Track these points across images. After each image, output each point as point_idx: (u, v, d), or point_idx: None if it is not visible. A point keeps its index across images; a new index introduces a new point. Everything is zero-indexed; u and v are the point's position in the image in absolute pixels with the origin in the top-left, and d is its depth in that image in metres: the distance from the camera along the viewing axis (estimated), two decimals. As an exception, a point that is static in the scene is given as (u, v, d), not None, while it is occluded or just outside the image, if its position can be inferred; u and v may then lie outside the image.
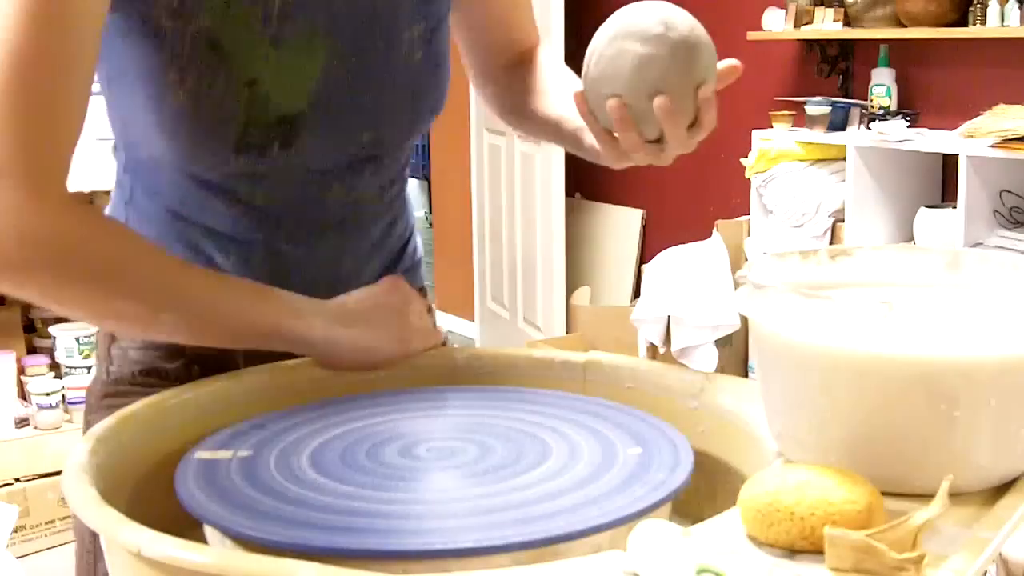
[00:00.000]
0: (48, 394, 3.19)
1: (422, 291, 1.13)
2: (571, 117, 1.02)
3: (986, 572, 0.67)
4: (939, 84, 3.47)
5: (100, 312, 0.90)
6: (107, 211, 1.07)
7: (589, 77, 0.90)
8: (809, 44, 3.76)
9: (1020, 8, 3.07)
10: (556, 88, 1.10)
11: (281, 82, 0.95)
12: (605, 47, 0.89)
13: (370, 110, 1.00)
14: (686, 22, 0.88)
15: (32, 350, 3.45)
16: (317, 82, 0.96)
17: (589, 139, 0.99)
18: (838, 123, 3.55)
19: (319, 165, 1.00)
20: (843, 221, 3.42)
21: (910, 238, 3.33)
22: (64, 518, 3.09)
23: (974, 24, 3.18)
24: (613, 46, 0.88)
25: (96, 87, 0.90)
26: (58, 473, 2.65)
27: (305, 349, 0.96)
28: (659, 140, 0.91)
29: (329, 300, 0.97)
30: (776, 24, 3.71)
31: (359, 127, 1.00)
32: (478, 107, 4.66)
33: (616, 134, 0.90)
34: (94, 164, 2.99)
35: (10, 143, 0.83)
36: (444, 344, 1.07)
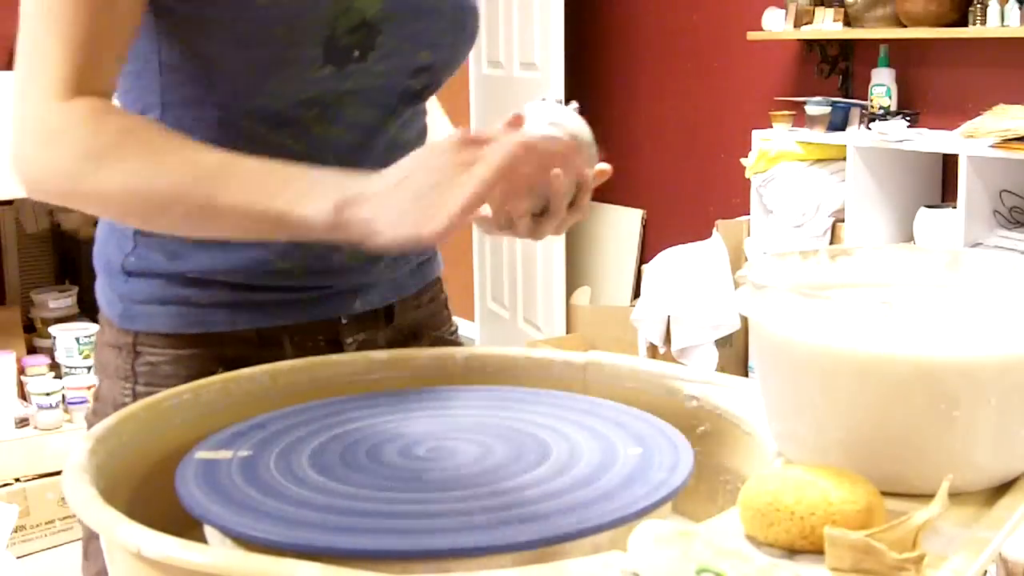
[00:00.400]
0: (48, 394, 3.19)
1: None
2: None
3: (986, 572, 0.67)
4: (939, 84, 3.47)
5: (99, 196, 0.88)
6: None
7: None
8: (809, 44, 3.76)
9: (1020, 8, 3.07)
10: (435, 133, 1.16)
11: None
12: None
13: (428, 25, 1.02)
14: (576, 118, 0.99)
15: (32, 350, 3.46)
16: None
17: None
18: (838, 123, 3.55)
19: (380, 89, 1.01)
20: (843, 221, 3.42)
21: (910, 238, 3.33)
22: (64, 518, 3.09)
23: (974, 24, 3.18)
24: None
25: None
26: (58, 473, 2.65)
27: (313, 237, 0.85)
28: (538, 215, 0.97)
29: (358, 177, 0.85)
30: (776, 24, 3.71)
31: (418, 44, 1.02)
32: (478, 106, 4.66)
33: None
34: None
35: (50, 48, 0.88)
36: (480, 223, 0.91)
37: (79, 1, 0.88)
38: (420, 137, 1.11)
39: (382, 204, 0.80)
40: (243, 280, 1.02)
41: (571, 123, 0.98)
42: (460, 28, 1.06)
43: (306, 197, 0.82)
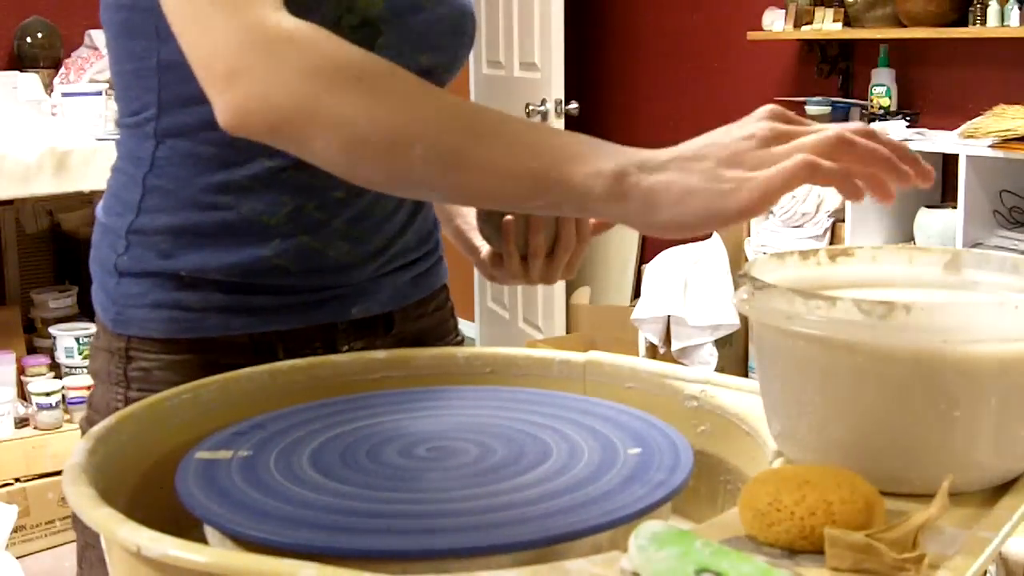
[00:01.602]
0: (48, 394, 3.19)
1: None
2: (463, 213, 1.13)
3: (986, 572, 0.67)
4: (939, 84, 3.47)
5: (366, 112, 0.75)
6: (110, 208, 1.06)
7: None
8: (809, 44, 3.76)
9: (1020, 8, 3.07)
10: None
11: None
12: None
13: (428, 27, 1.02)
14: None
15: (32, 350, 3.45)
16: None
17: (476, 240, 1.09)
18: (838, 123, 3.55)
19: None
20: (843, 221, 3.42)
21: (910, 238, 3.33)
22: (64, 518, 3.09)
23: (974, 24, 3.18)
24: None
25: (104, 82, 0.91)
26: (58, 473, 2.65)
27: (584, 206, 0.74)
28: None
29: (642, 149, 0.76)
30: (776, 24, 3.71)
31: (418, 46, 1.01)
32: (478, 107, 4.66)
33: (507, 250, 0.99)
34: (94, 164, 3.00)
35: None
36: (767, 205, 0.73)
37: None
38: None
39: (669, 177, 0.72)
40: (238, 279, 1.01)
41: None
42: (460, 32, 1.06)
43: (586, 159, 0.73)
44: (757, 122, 0.74)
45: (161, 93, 1.00)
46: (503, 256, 1.02)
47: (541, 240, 0.99)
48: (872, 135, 0.74)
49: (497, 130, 0.75)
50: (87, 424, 1.05)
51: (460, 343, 1.22)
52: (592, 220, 1.03)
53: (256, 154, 0.99)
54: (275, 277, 1.02)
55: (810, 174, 0.70)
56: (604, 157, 0.73)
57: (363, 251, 1.06)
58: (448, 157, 0.74)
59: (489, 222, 1.01)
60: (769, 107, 0.76)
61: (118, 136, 1.08)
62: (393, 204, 1.07)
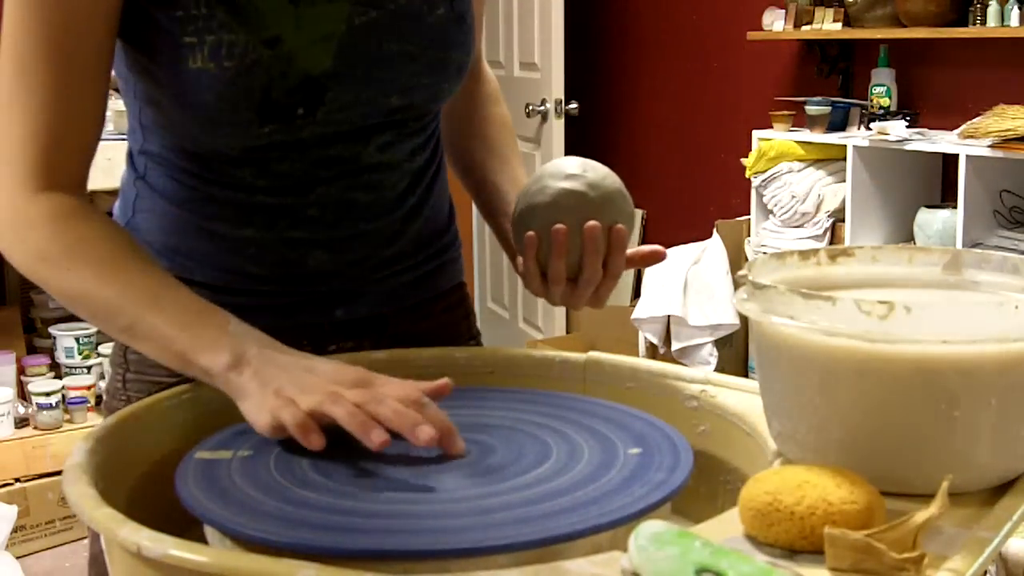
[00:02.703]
0: (48, 394, 3.19)
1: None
2: (504, 212, 1.11)
3: (986, 572, 0.67)
4: (939, 84, 3.47)
5: (54, 292, 0.92)
6: (118, 202, 1.09)
7: (517, 213, 0.99)
8: (809, 44, 3.76)
9: (1020, 8, 3.07)
10: (502, 165, 1.16)
11: (304, 39, 0.93)
12: (531, 184, 0.99)
13: (394, 74, 0.98)
14: (603, 169, 0.99)
15: (32, 350, 3.46)
16: (341, 38, 0.95)
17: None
18: (838, 123, 3.55)
19: (347, 133, 0.99)
20: (843, 221, 3.42)
21: (910, 238, 3.33)
22: (64, 518, 3.09)
23: (974, 24, 3.18)
24: (537, 184, 0.98)
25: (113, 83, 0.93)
26: (58, 473, 2.65)
27: (212, 383, 0.89)
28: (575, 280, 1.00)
29: (265, 341, 0.90)
30: (776, 24, 3.71)
31: (384, 92, 0.98)
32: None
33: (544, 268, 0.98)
34: (94, 164, 3.00)
35: (19, 137, 0.90)
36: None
37: (46, 92, 0.90)
38: (414, 155, 1.07)
39: (251, 382, 0.85)
40: (221, 284, 1.03)
41: (600, 169, 0.98)
42: (440, 68, 1.01)
43: (209, 349, 0.87)
44: (337, 374, 0.86)
45: (141, 118, 1.03)
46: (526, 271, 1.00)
47: (561, 267, 0.97)
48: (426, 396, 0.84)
49: (162, 311, 0.89)
50: (106, 409, 1.08)
51: (477, 346, 1.20)
52: (639, 251, 1.01)
53: (226, 183, 1.01)
54: (254, 283, 1.04)
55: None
56: (226, 348, 0.87)
57: (344, 260, 1.05)
58: (130, 331, 0.91)
59: (517, 235, 0.99)
60: (358, 372, 0.87)
61: (124, 135, 1.10)
62: (380, 216, 1.05)
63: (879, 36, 3.45)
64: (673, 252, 3.73)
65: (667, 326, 3.61)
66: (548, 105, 3.92)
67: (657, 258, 1.01)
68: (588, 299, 0.99)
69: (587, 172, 0.96)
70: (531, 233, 0.96)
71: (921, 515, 0.61)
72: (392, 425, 0.80)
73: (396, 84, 0.99)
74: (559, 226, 0.94)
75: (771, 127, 3.65)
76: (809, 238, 3.51)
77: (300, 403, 0.82)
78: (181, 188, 1.02)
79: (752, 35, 3.75)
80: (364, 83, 0.97)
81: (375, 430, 0.79)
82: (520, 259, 0.99)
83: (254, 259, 1.03)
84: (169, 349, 0.89)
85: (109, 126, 3.10)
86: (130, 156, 1.07)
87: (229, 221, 1.02)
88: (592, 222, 0.94)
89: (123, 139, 1.09)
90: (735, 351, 3.71)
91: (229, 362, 0.86)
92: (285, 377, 0.85)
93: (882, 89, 3.48)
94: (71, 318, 3.48)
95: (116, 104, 2.68)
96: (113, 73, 0.97)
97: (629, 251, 0.99)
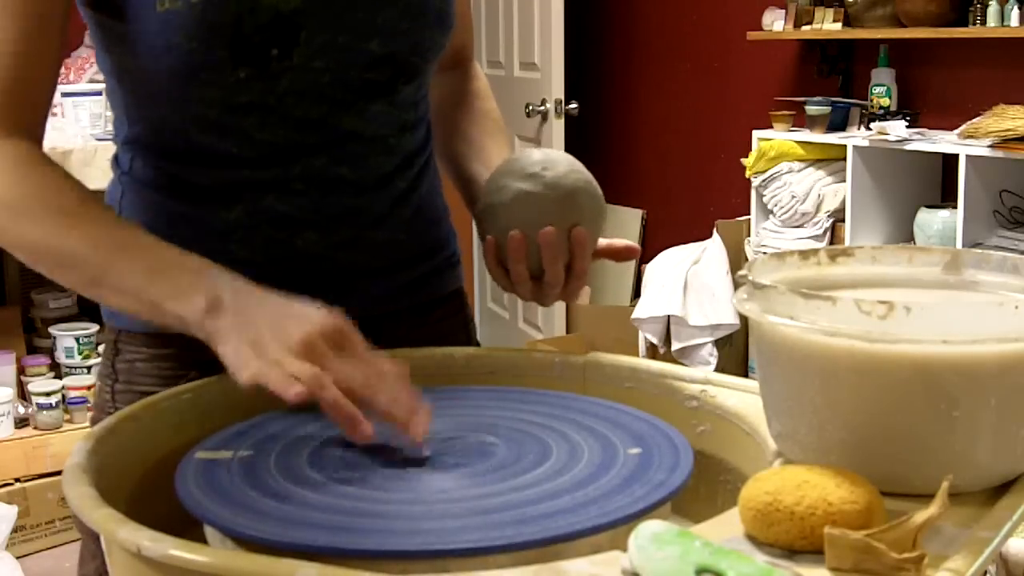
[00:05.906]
0: (48, 394, 3.19)
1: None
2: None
3: (986, 572, 0.67)
4: (939, 84, 3.47)
5: (11, 244, 0.91)
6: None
7: (478, 210, 0.98)
8: (809, 44, 3.76)
9: (1020, 8, 3.07)
10: (486, 156, 1.13)
11: None
12: (491, 180, 0.97)
13: (369, 14, 0.97)
14: (566, 163, 0.95)
15: (32, 350, 3.45)
16: None
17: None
18: (838, 123, 3.55)
19: (329, 84, 0.97)
20: (843, 221, 3.42)
21: (910, 238, 3.33)
22: (64, 518, 3.09)
23: (974, 24, 3.18)
24: (496, 182, 0.96)
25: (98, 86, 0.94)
26: (58, 473, 2.64)
27: (187, 331, 0.88)
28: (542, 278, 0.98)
29: (240, 283, 0.88)
30: (776, 24, 3.71)
31: (361, 35, 0.97)
32: (478, 107, 4.66)
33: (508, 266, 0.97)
34: (94, 164, 3.00)
35: None
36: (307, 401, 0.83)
37: (6, 36, 0.90)
38: (402, 132, 1.05)
39: (233, 325, 0.84)
40: None
41: (562, 165, 0.95)
42: (419, 13, 0.99)
43: (184, 294, 0.86)
44: (311, 322, 0.84)
45: (125, 98, 1.02)
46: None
47: (522, 270, 0.96)
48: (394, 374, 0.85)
49: (130, 260, 0.88)
50: (92, 422, 1.05)
51: None
52: (612, 246, 1.00)
53: (209, 161, 1.00)
54: (241, 270, 1.02)
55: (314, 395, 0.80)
56: (201, 292, 0.86)
57: (332, 241, 1.03)
58: (96, 282, 0.90)
59: (480, 233, 0.98)
60: (336, 318, 0.86)
61: None
62: (366, 192, 1.04)
63: (879, 36, 3.45)
64: (673, 252, 3.73)
65: (667, 326, 3.61)
66: (548, 105, 3.92)
67: (631, 254, 1.02)
68: (557, 297, 0.99)
69: (546, 170, 0.94)
70: (490, 237, 0.96)
71: (921, 515, 0.61)
72: (382, 410, 0.81)
73: (372, 28, 0.97)
74: (513, 233, 0.93)
75: (771, 127, 3.65)
76: (809, 238, 3.51)
77: (286, 366, 0.81)
78: (165, 175, 1.01)
79: (752, 35, 3.75)
80: (338, 24, 0.96)
81: (360, 425, 0.80)
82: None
83: (242, 242, 1.01)
84: (140, 298, 0.87)
85: (109, 125, 3.10)
86: (115, 157, 1.07)
87: (215, 203, 1.01)
88: (547, 228, 0.93)
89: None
90: (735, 351, 3.71)
91: (204, 307, 0.85)
92: (264, 323, 0.83)
93: (882, 89, 3.48)
94: (71, 318, 3.47)
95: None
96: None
97: (603, 243, 1.00)
